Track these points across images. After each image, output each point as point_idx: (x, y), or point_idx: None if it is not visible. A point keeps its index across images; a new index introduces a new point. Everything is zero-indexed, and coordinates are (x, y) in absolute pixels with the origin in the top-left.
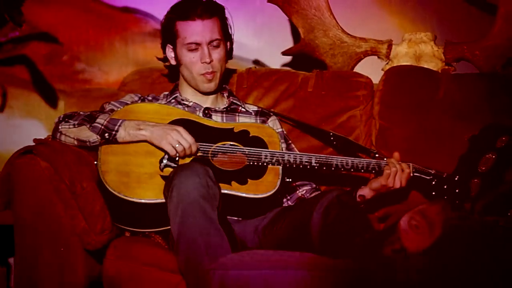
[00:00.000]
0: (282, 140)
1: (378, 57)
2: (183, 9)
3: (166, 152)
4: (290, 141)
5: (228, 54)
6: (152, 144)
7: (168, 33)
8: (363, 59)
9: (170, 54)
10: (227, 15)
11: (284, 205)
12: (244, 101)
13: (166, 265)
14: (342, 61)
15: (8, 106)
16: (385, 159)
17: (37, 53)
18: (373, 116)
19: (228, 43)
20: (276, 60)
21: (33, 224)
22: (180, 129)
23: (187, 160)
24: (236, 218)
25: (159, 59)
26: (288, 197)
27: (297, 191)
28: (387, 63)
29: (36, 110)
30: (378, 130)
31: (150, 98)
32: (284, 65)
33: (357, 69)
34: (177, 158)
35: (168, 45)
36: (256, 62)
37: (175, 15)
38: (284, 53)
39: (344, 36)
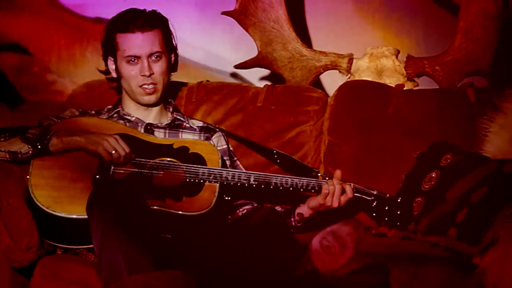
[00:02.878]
0: (226, 157)
1: (339, 71)
2: (123, 21)
3: (100, 160)
4: (235, 158)
5: (172, 67)
6: (87, 150)
7: (108, 45)
8: (322, 73)
9: (112, 66)
10: (170, 27)
11: None
12: (191, 116)
13: (94, 284)
14: (300, 75)
15: None
16: (326, 178)
17: (8, 64)
18: (323, 132)
19: (173, 56)
20: (255, 73)
21: None
22: (117, 137)
23: (122, 176)
24: (169, 236)
25: (100, 71)
26: (229, 217)
27: (238, 211)
28: (348, 78)
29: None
30: (327, 147)
31: (93, 112)
32: (263, 78)
33: (326, 84)
34: (111, 173)
35: (109, 57)
36: (234, 75)
37: (115, 26)
38: (237, 66)
39: (303, 49)
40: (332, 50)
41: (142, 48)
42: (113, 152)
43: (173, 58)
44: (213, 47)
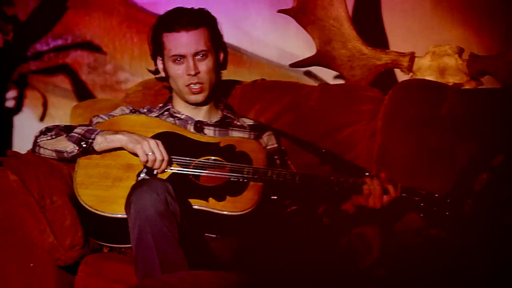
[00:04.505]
0: (276, 156)
1: (401, 70)
2: (168, 20)
3: (141, 161)
4: (286, 157)
5: (220, 65)
6: (127, 149)
7: (155, 45)
8: (383, 71)
9: (160, 66)
10: (218, 25)
11: None
12: (242, 115)
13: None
14: (360, 73)
15: (49, 115)
16: (366, 174)
17: (80, 63)
18: (376, 131)
19: (221, 54)
20: (329, 71)
21: (0, 238)
22: (159, 142)
23: (166, 175)
24: (214, 236)
25: (150, 71)
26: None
27: (286, 211)
28: (410, 77)
29: None
30: (379, 147)
31: (145, 110)
32: (337, 77)
33: None
34: (155, 172)
35: (158, 56)
36: (308, 73)
37: (161, 26)
38: (294, 65)
39: (363, 47)
40: (409, 50)
41: (187, 47)
42: (150, 154)
43: (221, 57)
44: (287, 45)
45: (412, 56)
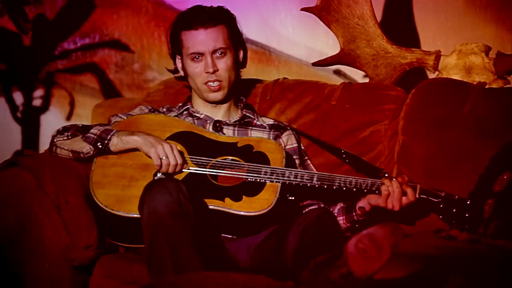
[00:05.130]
0: (296, 156)
1: (426, 69)
2: (187, 18)
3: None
4: (306, 157)
5: (240, 64)
6: (142, 151)
7: (174, 44)
8: (408, 70)
9: (179, 64)
10: (237, 23)
11: None
12: (262, 114)
13: None
14: (385, 72)
15: (76, 114)
16: (383, 171)
17: (107, 61)
18: (398, 131)
19: (241, 52)
20: (359, 70)
21: (17, 238)
22: (174, 146)
23: (183, 174)
24: (230, 236)
25: (169, 70)
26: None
27: (303, 211)
28: (436, 75)
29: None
30: (400, 146)
31: (164, 109)
32: (366, 76)
33: None
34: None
35: (177, 55)
36: (337, 72)
37: (179, 24)
38: (316, 64)
39: (389, 46)
40: (441, 48)
41: (205, 45)
42: (164, 158)
43: (241, 55)
44: (316, 44)
45: (438, 55)
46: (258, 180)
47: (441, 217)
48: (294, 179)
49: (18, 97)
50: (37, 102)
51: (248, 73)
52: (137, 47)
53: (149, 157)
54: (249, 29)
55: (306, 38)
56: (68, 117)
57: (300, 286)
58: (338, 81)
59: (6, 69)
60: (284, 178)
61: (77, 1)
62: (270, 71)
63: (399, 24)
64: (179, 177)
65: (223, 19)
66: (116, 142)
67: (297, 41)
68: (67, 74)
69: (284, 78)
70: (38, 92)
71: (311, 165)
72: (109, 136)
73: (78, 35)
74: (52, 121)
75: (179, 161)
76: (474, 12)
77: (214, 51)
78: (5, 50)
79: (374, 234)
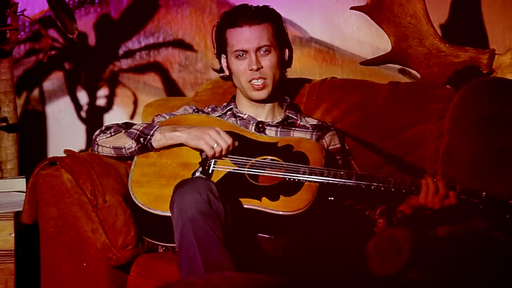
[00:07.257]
0: (339, 156)
1: (480, 68)
2: (232, 16)
3: (201, 155)
4: (350, 157)
5: (285, 62)
6: (189, 146)
7: (219, 42)
8: (460, 69)
9: (224, 64)
10: (283, 22)
11: None
12: (308, 114)
13: None
14: (437, 71)
15: (139, 113)
16: (434, 180)
17: (171, 61)
18: (443, 131)
19: (286, 51)
20: None
21: (55, 237)
22: (218, 128)
23: (221, 173)
24: (267, 236)
25: (214, 70)
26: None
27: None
28: (491, 75)
29: None
30: (445, 147)
31: (209, 109)
32: None
33: None
34: (210, 171)
35: (222, 54)
36: (402, 71)
37: (224, 22)
38: (364, 63)
39: (441, 45)
40: (510, 46)
41: (250, 42)
42: (215, 145)
43: (286, 54)
44: (382, 43)
45: (491, 54)
46: (296, 179)
47: (480, 218)
48: (333, 179)
49: (83, 97)
50: (101, 102)
51: (312, 72)
52: (200, 46)
53: (197, 150)
54: (312, 28)
55: (371, 36)
56: (132, 116)
57: None
58: (403, 80)
59: (71, 69)
60: (323, 178)
61: (141, 1)
62: (334, 70)
63: (466, 22)
64: (218, 176)
65: (268, 17)
66: (159, 138)
67: (361, 39)
68: (130, 74)
69: (332, 77)
70: (102, 92)
71: (354, 165)
72: (152, 132)
73: (142, 35)
74: (115, 120)
75: (229, 141)
76: None
77: (258, 49)
78: (70, 50)
79: (394, 236)
